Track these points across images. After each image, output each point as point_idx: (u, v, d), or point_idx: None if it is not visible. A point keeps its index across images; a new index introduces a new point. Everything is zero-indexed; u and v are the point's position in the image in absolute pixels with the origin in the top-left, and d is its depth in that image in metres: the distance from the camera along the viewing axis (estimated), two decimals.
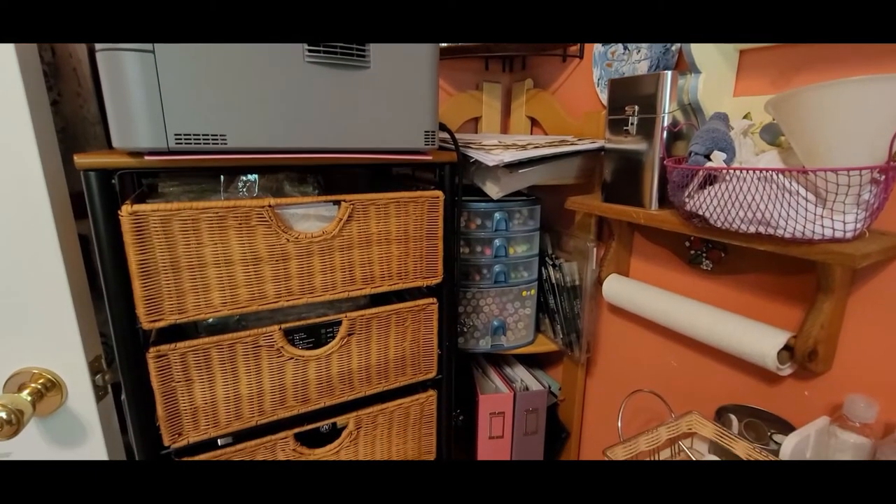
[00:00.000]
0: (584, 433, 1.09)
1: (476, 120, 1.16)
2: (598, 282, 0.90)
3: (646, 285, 0.82)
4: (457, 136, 0.75)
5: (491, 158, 0.73)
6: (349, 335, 0.72)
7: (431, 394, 0.84)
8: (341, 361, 0.73)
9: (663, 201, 0.72)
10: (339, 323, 0.71)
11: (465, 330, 0.97)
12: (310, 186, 0.76)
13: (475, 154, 0.75)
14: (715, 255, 0.75)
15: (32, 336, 0.61)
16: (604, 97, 0.91)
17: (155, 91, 0.48)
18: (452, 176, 0.74)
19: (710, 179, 0.59)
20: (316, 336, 0.70)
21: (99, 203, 0.53)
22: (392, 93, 0.62)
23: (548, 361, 1.17)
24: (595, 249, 0.91)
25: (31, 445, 0.64)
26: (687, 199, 0.62)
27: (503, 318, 0.98)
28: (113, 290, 0.56)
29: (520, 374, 1.10)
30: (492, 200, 0.89)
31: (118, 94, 0.48)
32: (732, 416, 0.68)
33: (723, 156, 0.58)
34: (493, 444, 1.01)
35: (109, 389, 0.69)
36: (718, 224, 0.58)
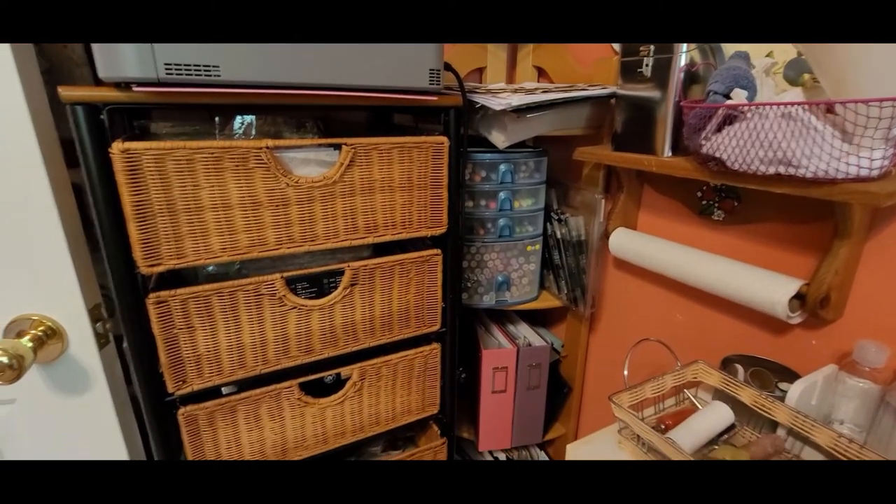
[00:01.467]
0: (586, 388, 1.10)
1: (480, 71, 1.12)
2: (605, 235, 0.88)
3: (653, 238, 0.80)
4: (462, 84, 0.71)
5: (498, 102, 0.69)
6: (352, 285, 0.71)
7: (435, 347, 0.84)
8: (345, 312, 0.72)
9: (677, 148, 0.70)
10: (341, 273, 0.70)
11: (469, 285, 0.96)
12: (309, 132, 0.74)
13: (482, 99, 0.72)
14: (728, 204, 0.73)
15: (29, 283, 0.60)
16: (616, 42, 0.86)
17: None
18: (458, 122, 0.71)
19: (729, 120, 0.56)
20: (318, 286, 0.69)
21: (88, 140, 0.50)
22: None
23: (551, 318, 1.17)
24: (603, 202, 0.89)
25: (35, 392, 0.63)
26: (703, 142, 0.59)
27: (507, 274, 0.97)
28: (108, 233, 0.54)
29: (522, 330, 1.10)
30: (497, 151, 0.86)
31: None
32: (738, 366, 0.68)
33: (744, 93, 0.55)
34: (495, 398, 1.02)
35: (111, 339, 0.68)
36: (736, 166, 0.56)
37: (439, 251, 0.77)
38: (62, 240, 0.59)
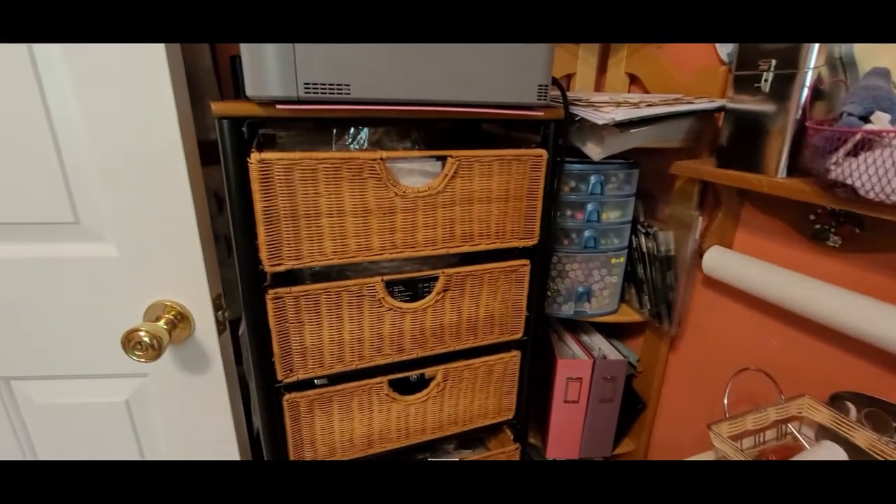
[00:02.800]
0: (661, 406, 1.07)
1: (569, 77, 1.10)
2: (699, 253, 0.85)
3: (755, 260, 0.76)
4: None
5: (601, 116, 0.69)
6: (444, 291, 0.74)
7: (515, 354, 0.85)
8: (435, 316, 0.75)
9: (793, 169, 0.66)
10: (435, 278, 0.72)
11: (549, 294, 0.96)
12: (409, 142, 0.77)
13: (584, 112, 0.71)
14: (846, 230, 0.68)
15: (166, 272, 0.67)
16: (724, 51, 0.82)
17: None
18: (556, 135, 0.72)
19: (866, 145, 0.52)
20: (413, 290, 0.72)
21: (231, 150, 0.55)
22: (511, 46, 0.59)
23: (626, 332, 1.14)
24: (700, 219, 0.85)
25: (164, 369, 0.71)
26: (832, 167, 0.55)
27: (588, 285, 0.96)
28: (240, 234, 0.59)
29: (597, 342, 1.09)
30: (588, 162, 0.85)
31: (255, 45, 0.49)
32: (850, 405, 0.63)
33: (887, 117, 0.51)
34: (567, 408, 1.02)
35: (227, 326, 0.75)
36: (871, 195, 0.52)
37: (528, 262, 0.78)
38: (196, 234, 0.66)
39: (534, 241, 0.76)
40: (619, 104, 0.71)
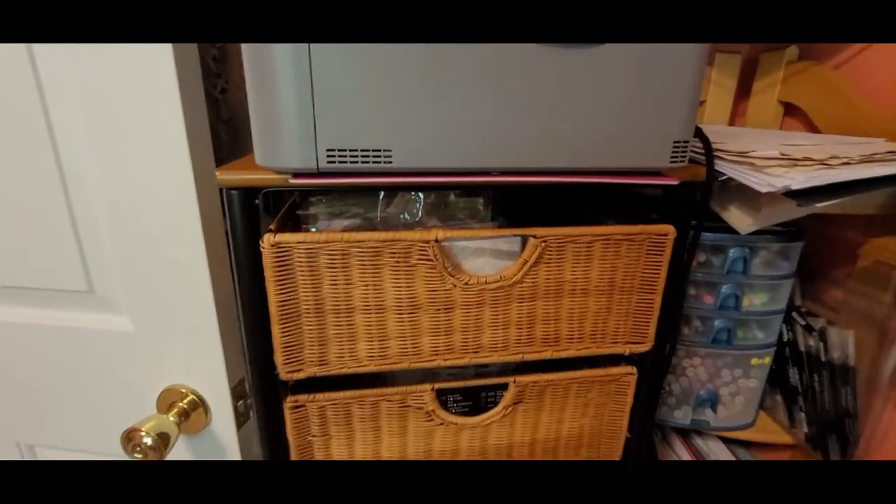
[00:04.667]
0: None
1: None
2: None
3: None
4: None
5: (768, 181, 0.46)
6: (515, 403, 0.55)
7: None
8: (500, 433, 0.56)
9: None
10: (504, 387, 0.54)
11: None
12: (480, 199, 0.59)
13: (737, 172, 0.49)
14: None
15: (180, 355, 0.56)
16: None
17: (306, 90, 0.34)
18: (689, 201, 0.50)
19: None
20: (474, 399, 0.55)
21: (240, 228, 0.42)
22: (628, 82, 0.39)
23: (765, 446, 0.86)
24: None
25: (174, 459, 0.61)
26: None
27: (714, 389, 0.71)
28: (251, 333, 0.46)
29: (714, 448, 0.82)
30: (727, 230, 0.61)
31: (262, 98, 0.35)
32: None
33: None
34: None
35: (252, 416, 0.63)
36: None
37: (634, 370, 0.56)
38: (212, 310, 0.54)
39: (646, 347, 0.54)
40: (794, 162, 0.48)
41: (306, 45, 0.32)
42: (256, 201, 0.42)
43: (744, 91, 0.84)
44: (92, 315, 0.57)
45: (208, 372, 0.57)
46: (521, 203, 0.66)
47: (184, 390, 0.58)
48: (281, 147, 0.35)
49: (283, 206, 0.53)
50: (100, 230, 0.52)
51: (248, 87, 0.35)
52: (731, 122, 0.87)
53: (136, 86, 0.41)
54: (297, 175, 0.37)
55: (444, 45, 0.34)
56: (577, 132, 0.39)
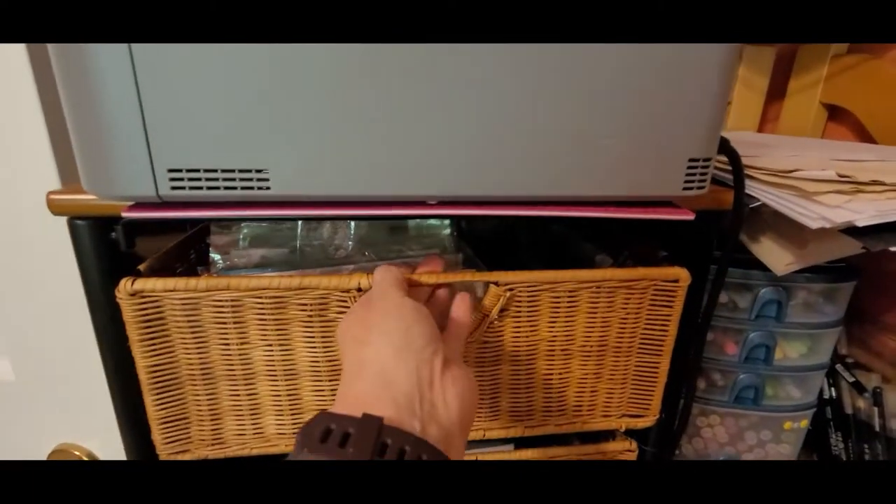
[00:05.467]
0: None
1: None
2: None
3: None
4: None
5: (822, 214, 0.33)
6: None
7: None
8: None
9: None
10: None
11: None
12: (446, 224, 0.47)
13: (779, 200, 0.36)
14: None
15: (69, 407, 0.46)
16: None
17: (130, 88, 0.22)
18: (709, 235, 0.38)
19: None
20: None
21: (94, 269, 0.31)
22: (622, 78, 0.27)
23: None
24: None
25: None
26: None
27: (736, 454, 0.58)
28: (120, 403, 0.35)
29: None
30: (754, 263, 0.48)
31: (74, 102, 0.24)
32: None
33: None
34: None
35: None
36: None
37: (634, 445, 0.44)
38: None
39: (649, 422, 0.42)
40: (858, 186, 0.35)
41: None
42: (113, 234, 0.31)
43: (777, 90, 0.70)
44: None
45: (102, 430, 0.46)
46: (497, 227, 0.54)
47: (77, 452, 0.47)
48: (105, 168, 0.24)
49: (193, 229, 0.42)
50: None
51: (57, 78, 0.23)
52: (761, 128, 0.73)
53: None
54: (134, 206, 0.26)
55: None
56: (551, 149, 0.27)
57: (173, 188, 0.24)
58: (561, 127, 0.27)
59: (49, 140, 0.34)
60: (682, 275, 0.36)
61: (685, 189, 0.29)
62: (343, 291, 0.33)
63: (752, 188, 0.39)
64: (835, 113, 0.65)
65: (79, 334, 0.43)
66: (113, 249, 0.31)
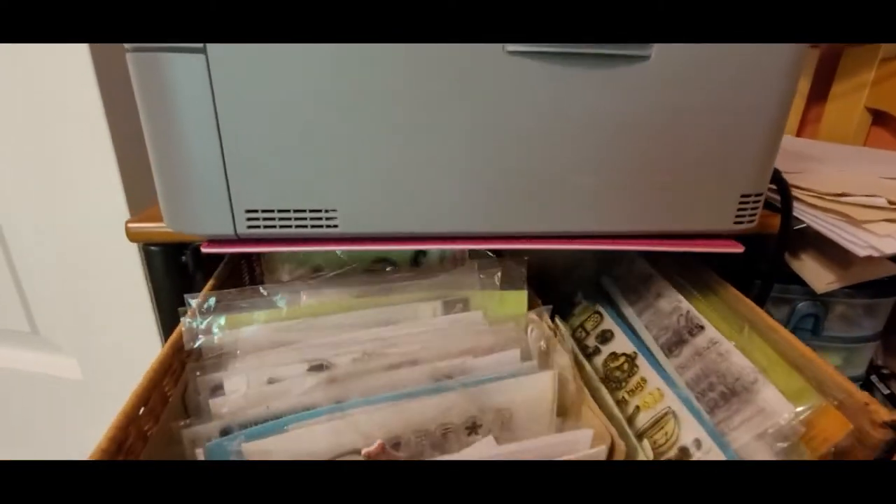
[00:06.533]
0: None
1: None
2: None
3: None
4: None
5: (870, 243, 0.33)
6: None
7: None
8: None
9: None
10: None
11: None
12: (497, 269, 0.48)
13: (827, 226, 0.36)
14: None
15: None
16: None
17: (213, 138, 0.24)
18: (754, 258, 0.38)
19: None
20: None
21: (165, 291, 0.34)
22: (676, 108, 0.27)
23: None
24: None
25: None
26: None
27: None
28: None
29: None
30: (795, 278, 0.48)
31: (159, 146, 0.25)
32: None
33: None
34: None
35: None
36: None
37: None
38: None
39: None
40: None
41: (203, 51, 0.22)
42: (183, 258, 0.33)
43: (819, 93, 0.68)
44: (39, 355, 0.51)
45: None
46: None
47: None
48: (187, 208, 0.26)
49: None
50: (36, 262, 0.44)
51: (144, 129, 0.25)
52: (801, 130, 0.72)
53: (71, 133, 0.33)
54: (212, 242, 0.28)
55: (412, 59, 0.24)
56: (601, 183, 0.28)
57: (249, 227, 0.26)
58: (618, 164, 0.28)
59: (119, 173, 0.36)
60: None
61: (736, 223, 0.30)
62: None
63: (797, 210, 0.39)
64: (879, 118, 0.63)
65: (143, 336, 0.46)
66: (182, 269, 0.33)
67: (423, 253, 0.44)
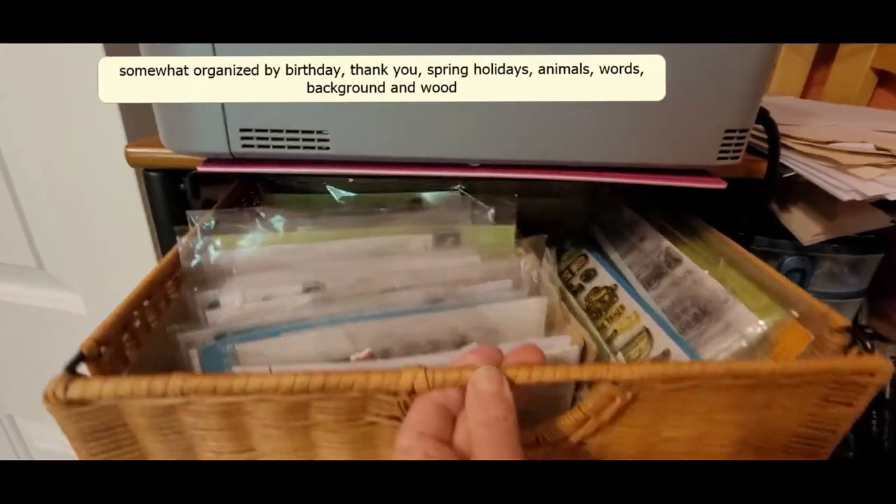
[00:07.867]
0: None
1: None
2: None
3: None
4: None
5: (853, 187, 0.34)
6: None
7: None
8: None
9: None
10: None
11: None
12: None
13: (812, 171, 0.37)
14: None
15: None
16: None
17: (207, 47, 0.24)
18: (738, 203, 0.39)
19: None
20: None
21: (164, 217, 0.35)
22: (671, 52, 0.28)
23: None
24: None
25: None
26: None
27: None
28: None
29: None
30: (783, 232, 0.49)
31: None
32: None
33: None
34: None
35: None
36: None
37: None
38: None
39: None
40: (895, 160, 0.35)
41: None
42: (182, 185, 0.34)
43: (826, 54, 0.67)
44: (44, 291, 0.53)
45: None
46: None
47: None
48: (183, 127, 0.27)
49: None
50: (42, 200, 0.46)
51: (140, 49, 0.26)
52: (806, 93, 0.71)
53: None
54: (208, 161, 0.28)
55: None
56: (590, 117, 0.29)
57: (244, 146, 0.27)
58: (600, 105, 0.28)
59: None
60: (883, 367, 0.22)
61: (720, 159, 0.30)
62: (390, 394, 0.19)
63: (786, 158, 0.39)
64: (885, 79, 0.63)
65: (144, 271, 0.47)
66: (181, 197, 0.34)
67: (418, 200, 0.45)
